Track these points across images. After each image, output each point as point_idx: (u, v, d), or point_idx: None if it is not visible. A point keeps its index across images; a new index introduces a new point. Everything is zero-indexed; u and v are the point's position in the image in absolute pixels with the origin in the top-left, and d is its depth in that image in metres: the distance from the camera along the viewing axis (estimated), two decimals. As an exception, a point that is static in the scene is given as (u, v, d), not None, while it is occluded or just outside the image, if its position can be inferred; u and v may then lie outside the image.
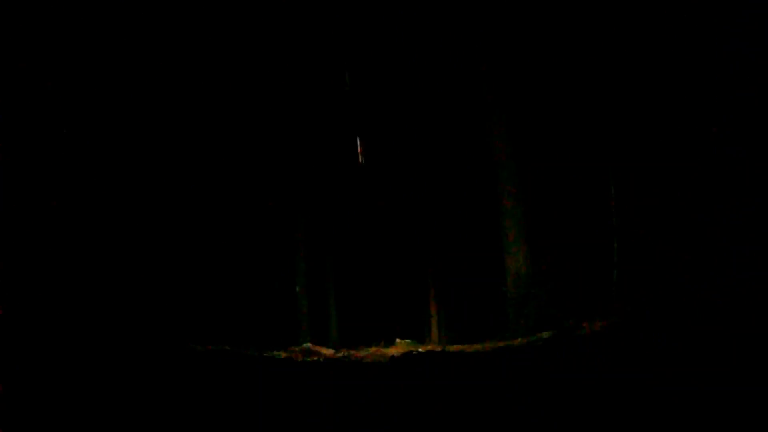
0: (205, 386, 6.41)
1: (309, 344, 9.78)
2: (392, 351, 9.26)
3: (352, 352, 9.34)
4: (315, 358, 8.75)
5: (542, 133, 10.24)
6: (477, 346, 9.23)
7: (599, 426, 5.09)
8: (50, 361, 6.32)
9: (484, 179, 10.14)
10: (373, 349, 9.42)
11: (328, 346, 9.79)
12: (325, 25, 11.11)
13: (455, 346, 9.25)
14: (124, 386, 5.94)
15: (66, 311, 8.22)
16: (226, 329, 9.70)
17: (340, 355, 9.13)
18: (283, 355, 8.82)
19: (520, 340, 9.14)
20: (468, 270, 10.36)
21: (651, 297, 8.68)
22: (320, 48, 11.19)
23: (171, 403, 5.77)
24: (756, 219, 8.18)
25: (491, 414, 5.51)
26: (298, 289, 10.31)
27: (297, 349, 9.41)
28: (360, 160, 11.30)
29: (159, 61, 9.70)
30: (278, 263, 10.48)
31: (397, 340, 10.06)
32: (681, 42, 9.05)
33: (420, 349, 9.25)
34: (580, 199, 9.98)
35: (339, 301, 11.21)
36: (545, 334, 8.85)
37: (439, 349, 9.14)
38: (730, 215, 8.40)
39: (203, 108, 10.34)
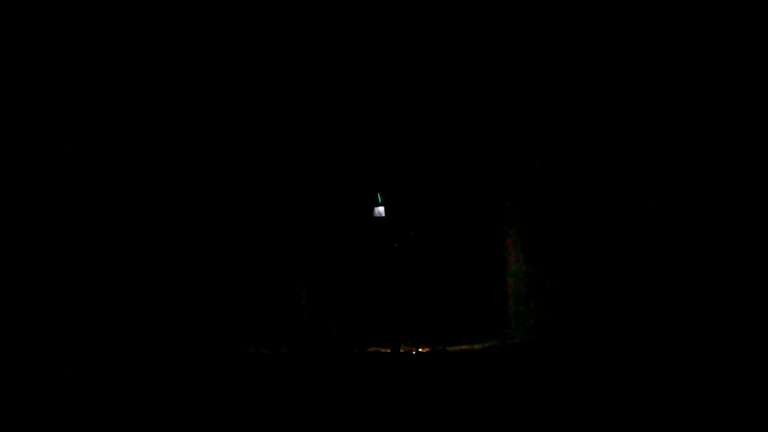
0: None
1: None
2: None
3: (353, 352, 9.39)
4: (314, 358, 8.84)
5: (541, 133, 10.22)
6: (477, 347, 9.23)
7: (598, 424, 5.09)
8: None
9: (485, 180, 10.14)
10: (372, 349, 9.45)
11: (328, 347, 9.81)
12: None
13: (455, 346, 9.25)
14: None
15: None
16: (238, 333, 9.97)
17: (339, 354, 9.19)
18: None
19: (520, 340, 9.14)
20: (468, 270, 10.35)
21: (650, 297, 8.66)
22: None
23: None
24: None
25: (490, 413, 5.52)
26: (303, 293, 10.46)
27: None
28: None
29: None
30: (283, 276, 10.61)
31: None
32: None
33: (420, 350, 9.26)
34: (580, 198, 9.95)
35: (340, 303, 11.24)
36: (544, 335, 8.85)
37: (439, 348, 9.15)
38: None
39: (220, 115, 10.35)
